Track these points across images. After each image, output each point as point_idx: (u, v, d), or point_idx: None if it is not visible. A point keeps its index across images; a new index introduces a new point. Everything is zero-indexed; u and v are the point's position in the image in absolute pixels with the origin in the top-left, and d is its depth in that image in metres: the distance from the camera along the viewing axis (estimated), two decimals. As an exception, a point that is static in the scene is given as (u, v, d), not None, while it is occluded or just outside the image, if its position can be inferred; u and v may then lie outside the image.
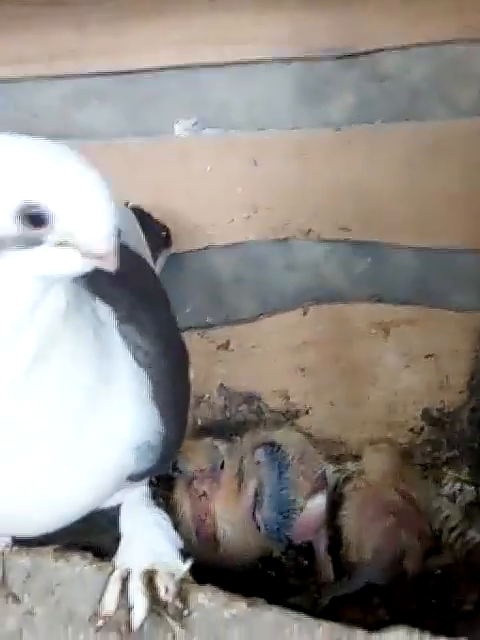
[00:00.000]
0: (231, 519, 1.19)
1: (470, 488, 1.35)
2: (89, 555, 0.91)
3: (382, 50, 1.22)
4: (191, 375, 0.99)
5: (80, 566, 0.90)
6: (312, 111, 1.28)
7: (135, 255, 1.02)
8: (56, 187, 0.64)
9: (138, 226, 1.16)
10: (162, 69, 1.27)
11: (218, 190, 1.33)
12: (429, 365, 1.37)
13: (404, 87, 1.25)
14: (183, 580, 0.87)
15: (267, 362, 1.40)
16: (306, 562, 1.28)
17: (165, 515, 0.96)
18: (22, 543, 0.94)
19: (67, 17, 1.23)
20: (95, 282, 0.76)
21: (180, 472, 1.20)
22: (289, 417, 1.42)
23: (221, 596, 0.85)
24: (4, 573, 0.91)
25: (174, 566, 0.87)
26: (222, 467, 1.20)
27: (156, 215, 1.27)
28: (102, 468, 0.80)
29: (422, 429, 1.39)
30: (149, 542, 0.91)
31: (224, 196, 1.33)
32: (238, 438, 1.30)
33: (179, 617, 0.83)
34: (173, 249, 1.33)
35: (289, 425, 1.41)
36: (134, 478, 0.85)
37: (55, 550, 0.91)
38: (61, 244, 0.65)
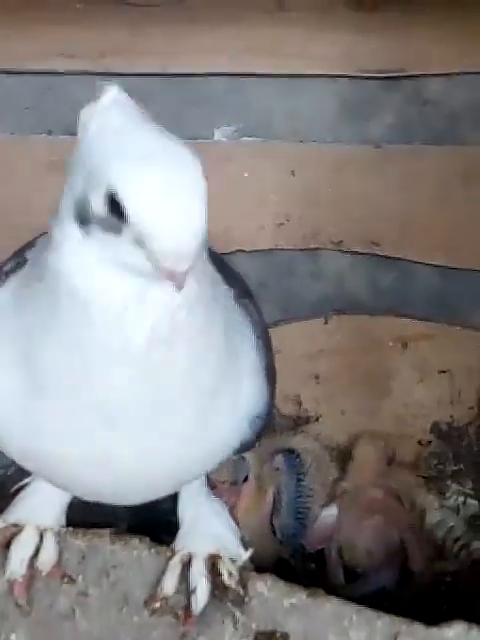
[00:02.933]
0: (251, 525, 1.22)
1: (474, 502, 1.39)
2: (147, 539, 0.93)
3: (427, 75, 1.26)
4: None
5: (138, 550, 0.92)
6: (353, 128, 1.30)
7: None
8: (135, 184, 0.62)
9: None
10: (210, 75, 1.29)
11: (252, 197, 1.36)
12: (442, 380, 1.42)
13: (444, 112, 1.28)
14: (243, 567, 0.90)
15: (283, 367, 1.41)
16: (314, 566, 1.30)
17: (223, 504, 0.98)
18: (76, 525, 0.95)
19: (121, 15, 1.24)
20: None
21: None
22: (299, 423, 1.44)
23: (281, 585, 0.88)
24: (60, 554, 0.92)
25: (236, 553, 0.90)
26: (246, 479, 1.22)
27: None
28: (227, 438, 0.83)
29: (429, 442, 1.43)
30: (211, 529, 0.93)
31: (258, 203, 1.36)
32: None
33: (240, 603, 0.86)
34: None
35: (299, 431, 1.42)
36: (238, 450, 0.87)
37: (112, 533, 0.93)
38: (137, 243, 0.64)
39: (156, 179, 0.62)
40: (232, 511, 1.20)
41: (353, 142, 1.34)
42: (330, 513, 1.27)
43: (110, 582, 0.92)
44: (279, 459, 1.27)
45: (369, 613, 0.86)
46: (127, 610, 0.91)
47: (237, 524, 1.20)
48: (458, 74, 1.29)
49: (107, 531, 0.95)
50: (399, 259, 1.38)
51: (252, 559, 1.19)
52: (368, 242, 1.38)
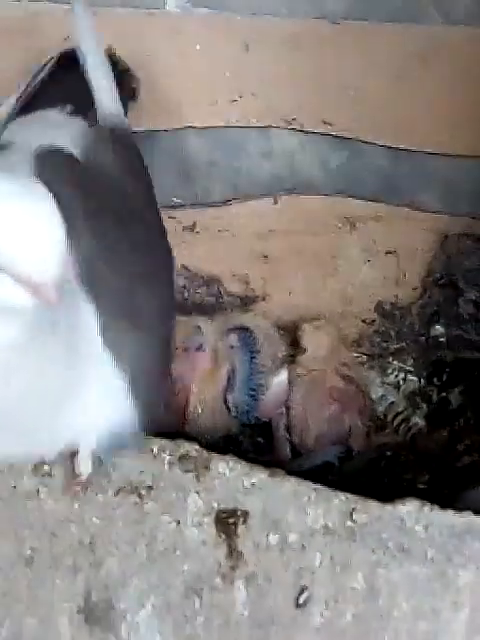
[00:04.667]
0: (204, 399, 1.28)
1: (414, 378, 1.44)
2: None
3: None
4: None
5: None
6: (309, 1, 1.29)
7: (141, 199, 1.00)
8: None
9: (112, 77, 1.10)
10: None
11: (204, 72, 1.34)
12: (389, 261, 1.45)
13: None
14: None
15: (231, 247, 1.44)
16: (262, 440, 1.37)
17: None
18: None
19: None
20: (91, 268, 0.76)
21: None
22: (247, 302, 1.47)
23: (242, 465, 0.92)
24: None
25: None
26: (199, 349, 1.25)
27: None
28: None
29: (374, 321, 1.47)
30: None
31: (210, 78, 1.34)
32: (208, 320, 1.33)
33: None
34: (149, 126, 1.34)
35: (248, 310, 1.45)
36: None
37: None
38: None
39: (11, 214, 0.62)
40: (183, 379, 1.25)
41: (309, 16, 1.31)
42: (280, 379, 1.32)
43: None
44: (233, 337, 1.31)
45: (326, 492, 0.92)
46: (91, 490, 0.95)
47: (188, 396, 1.26)
48: None
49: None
50: (350, 139, 1.39)
51: (204, 433, 1.26)
52: (320, 121, 1.38)
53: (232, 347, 1.30)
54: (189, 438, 1.05)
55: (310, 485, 0.92)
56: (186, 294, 1.47)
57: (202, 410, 1.27)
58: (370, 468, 1.30)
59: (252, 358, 1.31)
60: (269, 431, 1.36)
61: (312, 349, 1.33)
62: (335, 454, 1.31)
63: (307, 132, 1.39)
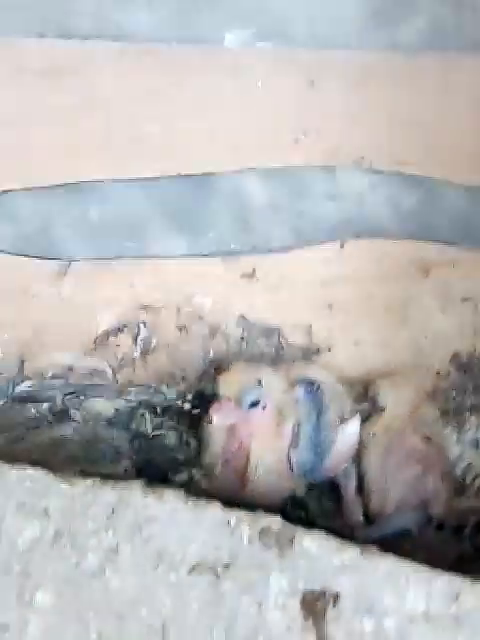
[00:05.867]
0: (265, 458, 1.20)
1: (495, 435, 1.36)
2: (182, 492, 0.89)
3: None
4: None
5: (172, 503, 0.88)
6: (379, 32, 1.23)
7: None
8: None
9: None
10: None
11: (266, 109, 1.28)
12: (465, 309, 1.38)
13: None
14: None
15: (293, 295, 1.37)
16: (331, 503, 1.29)
17: None
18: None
19: None
20: None
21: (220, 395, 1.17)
22: (309, 354, 1.39)
23: (330, 541, 0.84)
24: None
25: None
26: (255, 405, 1.18)
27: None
28: None
29: (449, 374, 1.40)
30: None
31: (272, 116, 1.28)
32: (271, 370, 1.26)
33: None
34: (207, 168, 1.28)
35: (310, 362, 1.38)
36: None
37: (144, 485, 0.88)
38: None
39: None
40: (236, 438, 1.17)
41: (380, 48, 1.25)
42: (349, 432, 1.24)
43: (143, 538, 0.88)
44: (299, 390, 1.23)
45: (427, 572, 0.83)
46: (163, 568, 0.87)
47: (248, 454, 1.18)
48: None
49: (139, 483, 0.90)
50: (424, 178, 1.32)
51: (265, 495, 1.18)
52: (392, 160, 1.31)
53: (297, 401, 1.22)
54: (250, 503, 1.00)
55: (408, 564, 0.84)
56: (244, 345, 1.40)
57: (262, 468, 1.19)
58: (455, 537, 1.21)
59: (319, 413, 1.23)
60: (338, 494, 1.27)
61: (391, 406, 1.25)
62: (414, 521, 1.22)
63: (377, 171, 1.32)
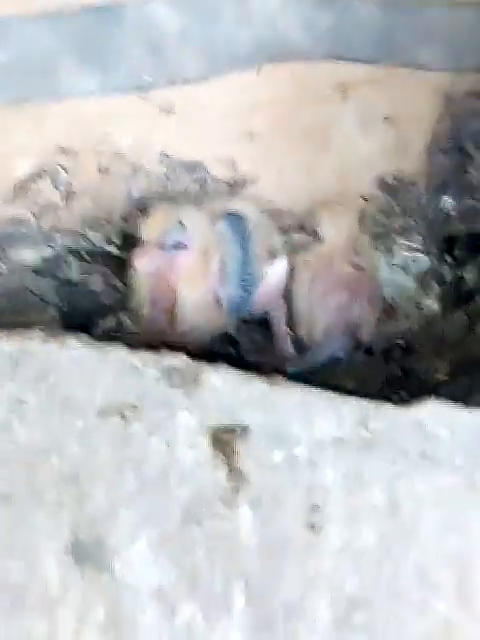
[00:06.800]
0: (193, 295, 1.17)
1: (423, 257, 1.34)
2: (84, 336, 0.86)
3: None
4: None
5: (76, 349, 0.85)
6: None
7: None
8: None
9: None
10: None
11: None
12: (388, 129, 1.34)
13: None
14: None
15: (213, 127, 1.31)
16: (262, 338, 1.28)
17: None
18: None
19: None
20: None
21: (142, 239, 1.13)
22: (235, 186, 1.34)
23: (237, 375, 0.83)
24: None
25: None
26: (178, 246, 1.14)
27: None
28: None
29: (375, 198, 1.36)
30: None
31: None
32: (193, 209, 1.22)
33: None
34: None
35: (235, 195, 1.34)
36: None
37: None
38: None
39: None
40: (162, 281, 1.14)
41: None
42: (277, 268, 1.22)
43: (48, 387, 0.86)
44: (222, 224, 1.20)
45: (335, 398, 0.82)
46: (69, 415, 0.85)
47: (175, 295, 1.16)
48: None
49: (38, 331, 0.87)
50: (337, -7, 1.24)
51: (194, 335, 1.17)
52: (302, -25, 1.23)
53: (220, 236, 1.19)
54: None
55: (315, 392, 0.82)
56: (168, 183, 1.35)
57: (190, 306, 1.17)
58: (384, 360, 1.21)
59: (244, 246, 1.19)
60: (268, 327, 1.26)
61: (330, 236, 1.22)
62: (343, 347, 1.22)
63: (287, -10, 1.24)
